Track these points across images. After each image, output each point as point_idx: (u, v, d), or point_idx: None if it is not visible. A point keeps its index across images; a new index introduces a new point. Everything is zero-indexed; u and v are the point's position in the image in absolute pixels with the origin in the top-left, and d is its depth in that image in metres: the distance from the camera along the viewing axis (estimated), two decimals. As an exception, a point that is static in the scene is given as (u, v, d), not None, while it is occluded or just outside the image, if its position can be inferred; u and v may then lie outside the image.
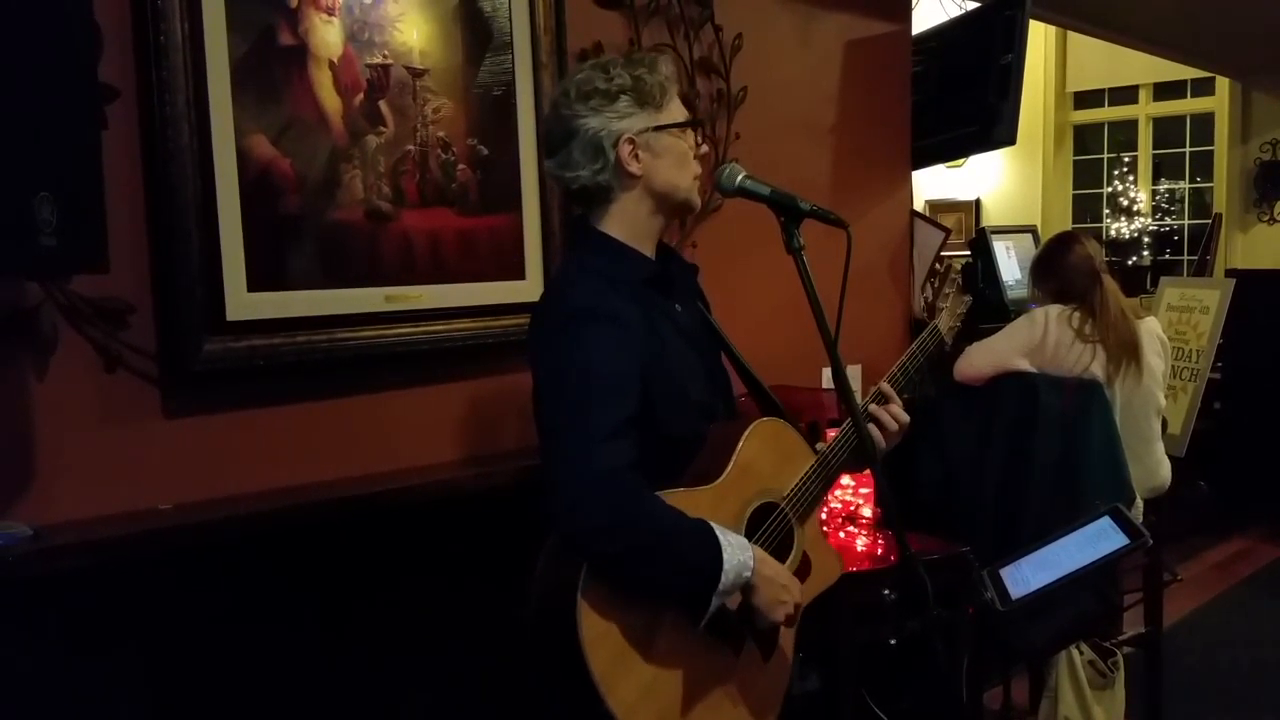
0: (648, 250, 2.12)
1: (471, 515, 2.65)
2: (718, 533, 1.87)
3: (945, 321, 2.46)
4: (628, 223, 2.08)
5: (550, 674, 1.90)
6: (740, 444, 2.05)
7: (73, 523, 2.18)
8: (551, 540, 1.93)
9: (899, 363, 2.36)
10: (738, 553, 1.87)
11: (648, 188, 2.07)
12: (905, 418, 2.26)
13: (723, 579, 1.84)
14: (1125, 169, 9.50)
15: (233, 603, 2.34)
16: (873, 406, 2.24)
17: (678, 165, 2.07)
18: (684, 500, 1.91)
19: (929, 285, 2.42)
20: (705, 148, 2.18)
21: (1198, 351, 5.49)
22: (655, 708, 1.85)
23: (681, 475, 2.01)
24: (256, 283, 2.42)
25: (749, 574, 1.88)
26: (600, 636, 1.80)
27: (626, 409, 1.88)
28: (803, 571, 2.12)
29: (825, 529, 3.17)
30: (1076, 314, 3.61)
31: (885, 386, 2.28)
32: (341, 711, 2.54)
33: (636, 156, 2.03)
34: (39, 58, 1.77)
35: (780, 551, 2.06)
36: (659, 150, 2.05)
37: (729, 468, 2.01)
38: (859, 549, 3.11)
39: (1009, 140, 4.39)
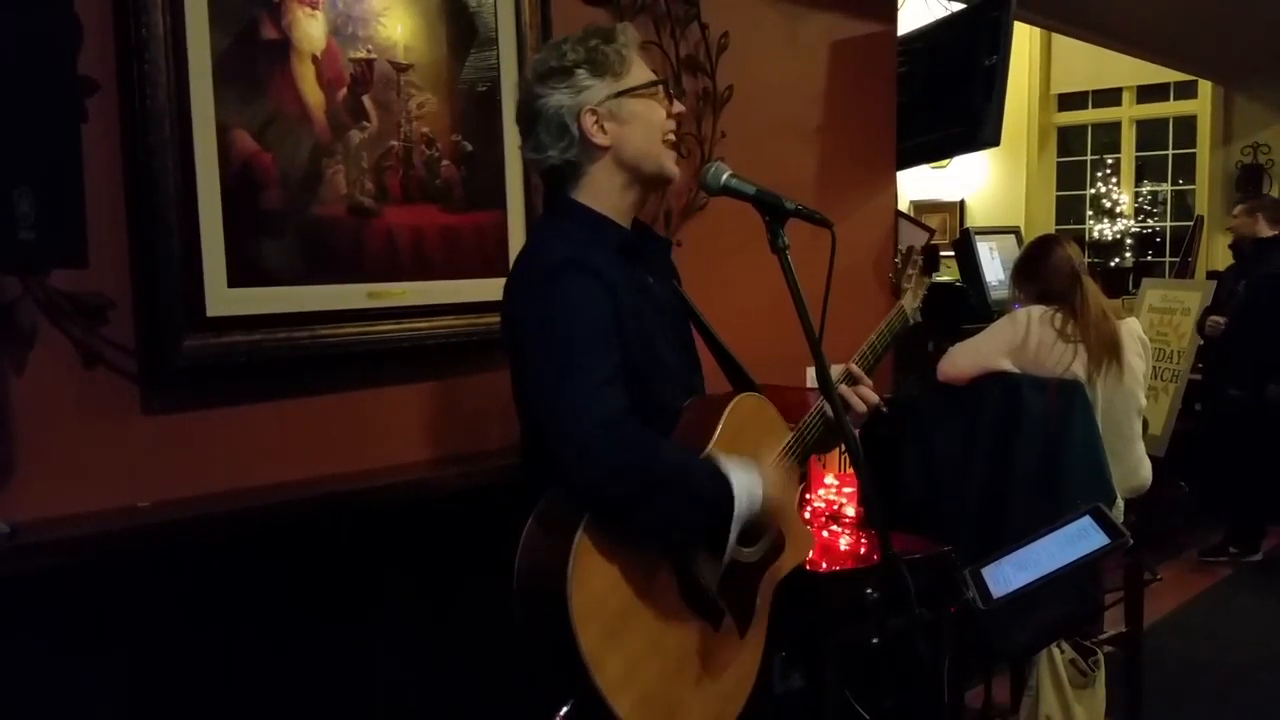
0: (621, 222, 2.10)
1: (455, 513, 2.64)
2: (722, 465, 1.88)
3: (909, 301, 2.46)
4: (601, 196, 2.06)
5: (537, 651, 1.89)
6: (723, 417, 2.05)
7: (51, 520, 2.16)
8: (538, 510, 1.90)
9: (867, 341, 2.37)
10: (746, 481, 1.88)
11: (618, 159, 2.04)
12: (874, 398, 2.27)
13: (736, 506, 1.85)
14: (1108, 171, 9.56)
15: (212, 601, 2.33)
16: (842, 387, 2.24)
17: (646, 130, 2.04)
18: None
19: (893, 266, 2.46)
20: (679, 105, 2.13)
21: (1179, 352, 5.53)
22: (639, 685, 1.84)
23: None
24: (237, 278, 2.41)
25: (759, 504, 1.89)
26: (590, 613, 1.78)
27: (617, 356, 1.88)
28: (775, 550, 2.13)
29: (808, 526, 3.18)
30: (1058, 315, 3.62)
31: (854, 367, 2.30)
32: (324, 709, 2.53)
33: (602, 127, 2.01)
34: (18, 50, 1.76)
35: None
36: (624, 117, 2.02)
37: (714, 440, 2.01)
38: (842, 548, 3.11)
39: (993, 141, 4.41)
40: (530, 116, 2.04)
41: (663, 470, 1.83)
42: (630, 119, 2.02)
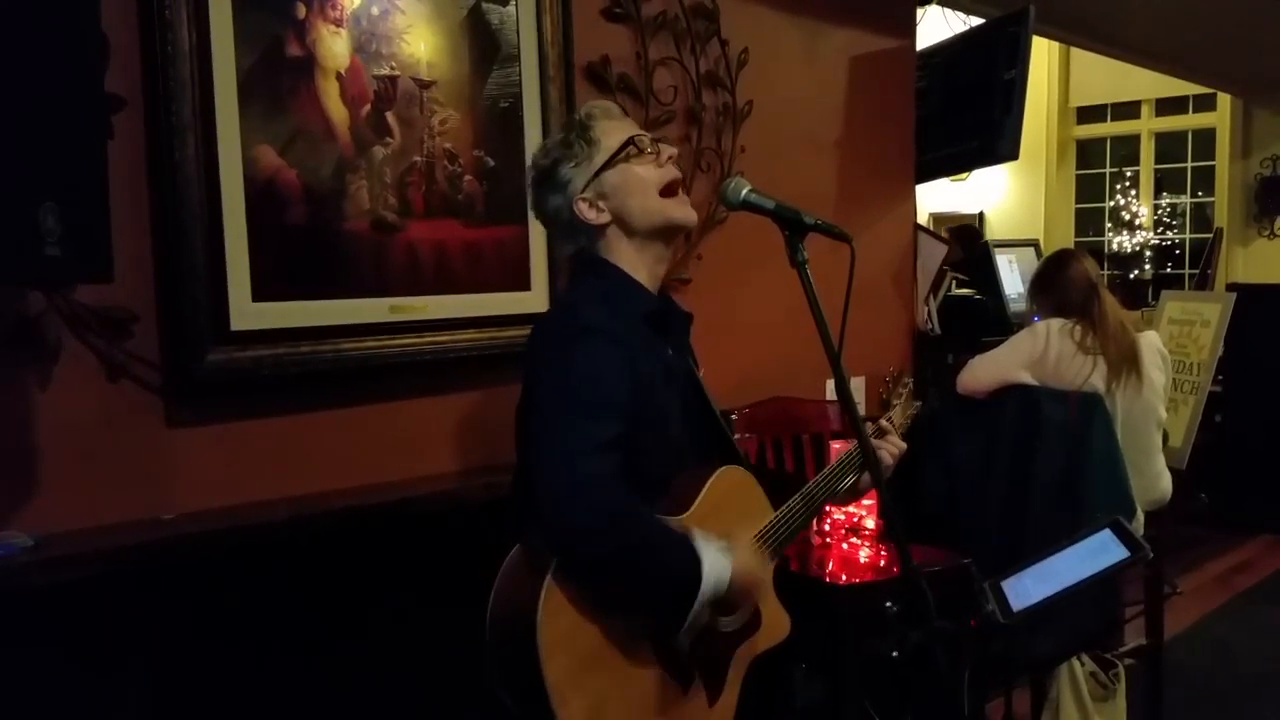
0: (649, 285, 2.12)
1: (477, 526, 2.64)
2: (696, 543, 1.86)
3: (898, 416, 2.49)
4: (624, 260, 2.10)
5: (504, 678, 1.88)
6: (708, 484, 2.05)
7: (75, 533, 2.18)
8: (513, 555, 1.91)
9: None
10: (716, 563, 1.86)
11: (624, 227, 2.08)
12: (902, 445, 2.35)
13: (701, 589, 1.83)
14: (1127, 183, 9.53)
15: (236, 613, 2.33)
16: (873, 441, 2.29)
17: (638, 191, 2.07)
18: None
19: (885, 387, 2.52)
20: (667, 150, 2.13)
21: (1199, 365, 5.49)
22: None
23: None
24: (261, 293, 2.43)
25: (724, 587, 1.87)
26: (558, 647, 1.77)
27: (621, 425, 1.90)
28: (752, 625, 2.10)
29: (828, 540, 3.18)
30: (1078, 327, 3.61)
31: (884, 423, 2.37)
32: (344, 721, 2.54)
33: (597, 207, 2.06)
34: (46, 67, 1.77)
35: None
36: (609, 191, 2.06)
37: (697, 503, 2.01)
38: (862, 560, 3.11)
39: (1012, 155, 4.40)
40: (545, 225, 2.20)
41: (636, 540, 1.83)
42: (614, 191, 2.06)
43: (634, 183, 2.07)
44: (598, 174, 2.06)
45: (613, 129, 2.10)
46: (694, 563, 1.84)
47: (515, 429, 2.11)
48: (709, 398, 2.25)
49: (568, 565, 1.80)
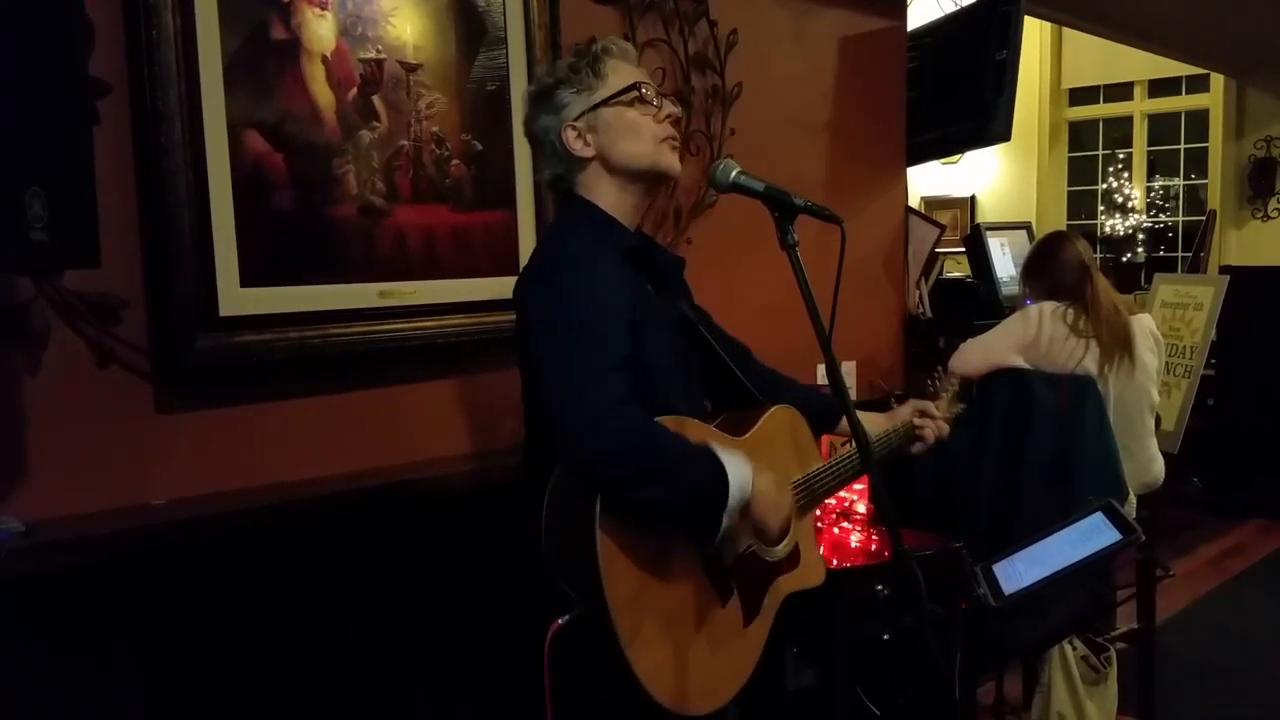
0: (628, 226, 2.13)
1: (466, 511, 2.65)
2: (719, 454, 1.89)
3: (943, 407, 2.63)
4: (601, 198, 2.10)
5: (557, 560, 1.90)
6: (763, 418, 2.13)
7: (66, 519, 2.17)
8: (561, 467, 1.92)
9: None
10: (739, 471, 1.88)
11: (605, 165, 2.08)
12: (944, 429, 2.53)
13: (730, 498, 1.86)
14: (1120, 166, 9.52)
15: (226, 599, 2.34)
16: (916, 419, 2.48)
17: (630, 134, 2.07)
18: (712, 437, 1.97)
19: (933, 381, 2.63)
20: (670, 105, 2.14)
21: (1192, 348, 5.50)
22: (643, 608, 1.85)
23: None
24: (249, 278, 2.42)
25: (749, 492, 1.90)
26: (612, 530, 1.82)
27: (625, 345, 1.91)
28: (791, 561, 2.15)
29: (820, 525, 3.18)
30: (1070, 310, 3.61)
31: (929, 405, 2.53)
32: (337, 710, 2.54)
33: (585, 140, 2.06)
34: (30, 52, 1.76)
35: None
36: (602, 127, 2.06)
37: (753, 431, 2.08)
38: (853, 545, 3.11)
39: (1004, 137, 4.39)
40: (531, 142, 2.16)
41: (665, 457, 1.85)
42: (608, 128, 2.06)
43: (627, 127, 2.07)
44: (594, 108, 2.06)
45: (624, 70, 2.11)
46: (719, 472, 1.86)
47: (522, 392, 2.10)
48: (713, 342, 2.26)
49: (599, 488, 1.82)
